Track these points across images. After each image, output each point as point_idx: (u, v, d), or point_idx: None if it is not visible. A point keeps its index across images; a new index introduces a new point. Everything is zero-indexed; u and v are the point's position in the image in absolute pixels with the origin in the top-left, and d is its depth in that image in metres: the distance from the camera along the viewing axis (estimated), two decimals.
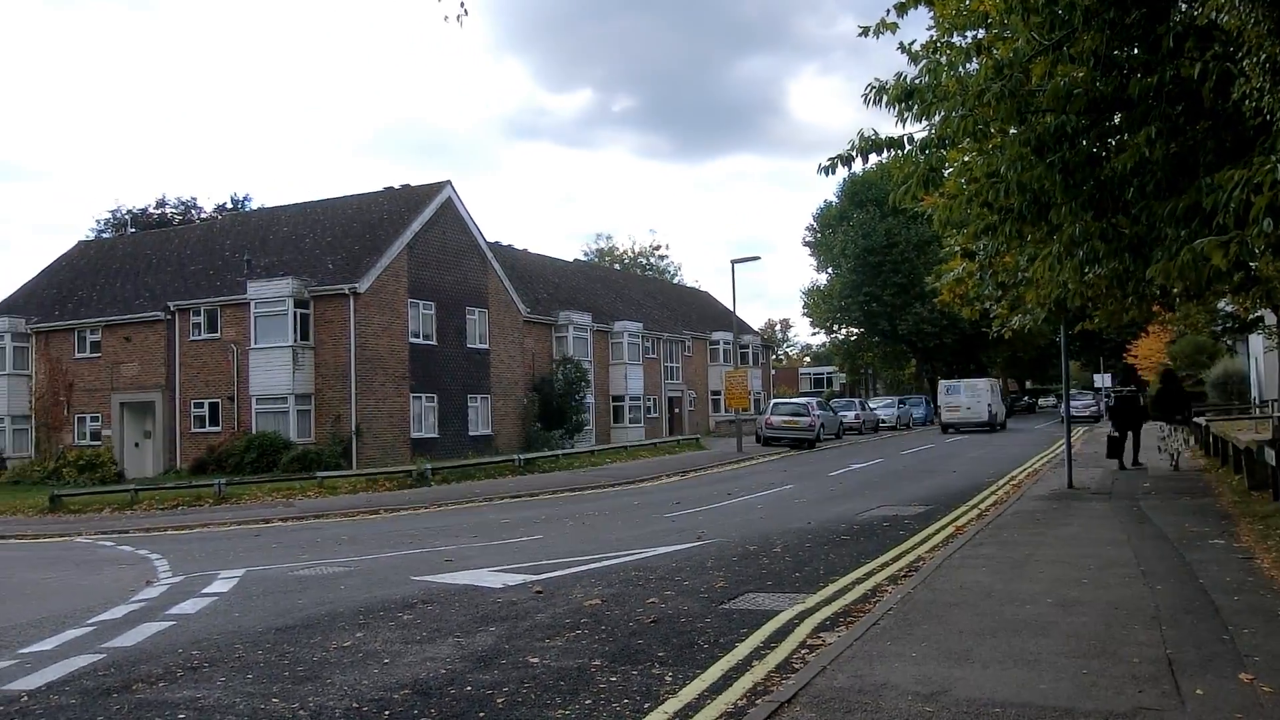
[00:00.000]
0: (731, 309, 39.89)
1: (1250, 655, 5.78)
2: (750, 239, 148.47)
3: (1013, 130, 8.18)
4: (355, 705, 5.85)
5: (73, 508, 22.64)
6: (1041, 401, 77.05)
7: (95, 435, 32.85)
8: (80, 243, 42.63)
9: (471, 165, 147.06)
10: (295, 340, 29.13)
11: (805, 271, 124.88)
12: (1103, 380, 46.70)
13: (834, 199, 67.91)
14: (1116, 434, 19.34)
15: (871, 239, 60.37)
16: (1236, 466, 15.42)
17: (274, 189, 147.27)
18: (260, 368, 29.43)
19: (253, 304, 29.78)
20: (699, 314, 55.34)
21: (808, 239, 71.36)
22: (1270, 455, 11.86)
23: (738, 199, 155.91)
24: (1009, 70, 7.57)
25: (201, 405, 31.18)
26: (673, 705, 5.61)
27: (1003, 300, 14.29)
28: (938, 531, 12.43)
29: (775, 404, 37.78)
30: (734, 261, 35.84)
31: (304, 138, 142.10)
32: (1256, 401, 30.18)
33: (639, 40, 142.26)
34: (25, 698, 6.34)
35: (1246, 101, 6.08)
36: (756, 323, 68.73)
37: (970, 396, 40.52)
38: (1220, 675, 5.40)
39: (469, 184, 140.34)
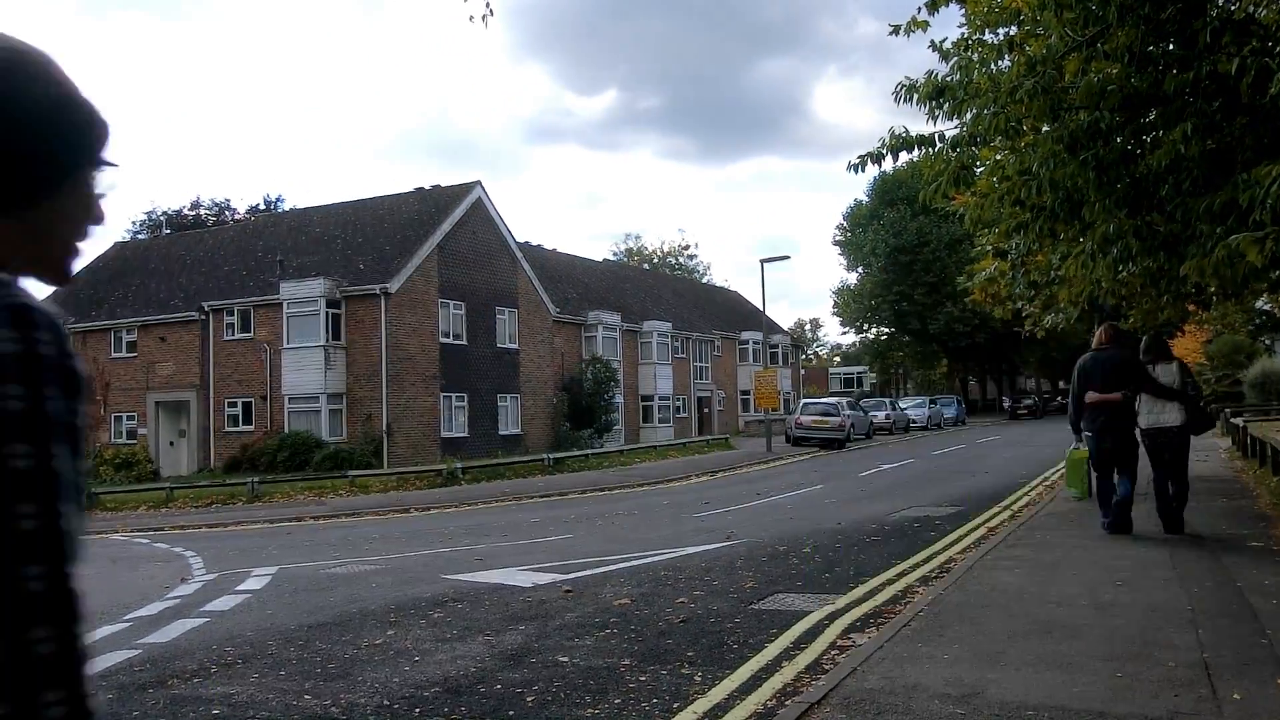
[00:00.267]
0: (761, 308, 39.79)
1: None
2: (776, 239, 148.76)
3: (1045, 127, 8.10)
4: (386, 703, 5.89)
5: (109, 505, 22.97)
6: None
7: (131, 434, 33.30)
8: (116, 244, 43.22)
9: (496, 168, 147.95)
10: (327, 340, 29.37)
11: (832, 271, 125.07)
12: None
13: (864, 198, 67.58)
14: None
15: (902, 238, 60.02)
16: (1275, 468, 15.18)
17: (305, 190, 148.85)
18: (293, 367, 29.70)
19: (285, 304, 30.06)
20: (728, 313, 55.25)
21: (837, 238, 71.03)
22: None
23: (763, 200, 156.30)
24: (1042, 67, 7.49)
25: (235, 404, 31.52)
26: (702, 705, 5.60)
27: (1035, 299, 14.16)
28: (969, 532, 12.33)
29: (805, 404, 37.64)
30: (763, 261, 35.83)
31: (330, 141, 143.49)
32: None
33: (660, 43, 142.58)
34: None
35: None
36: (785, 323, 68.51)
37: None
38: (1258, 679, 5.31)
39: (494, 186, 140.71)
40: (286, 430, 29.48)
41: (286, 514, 19.69)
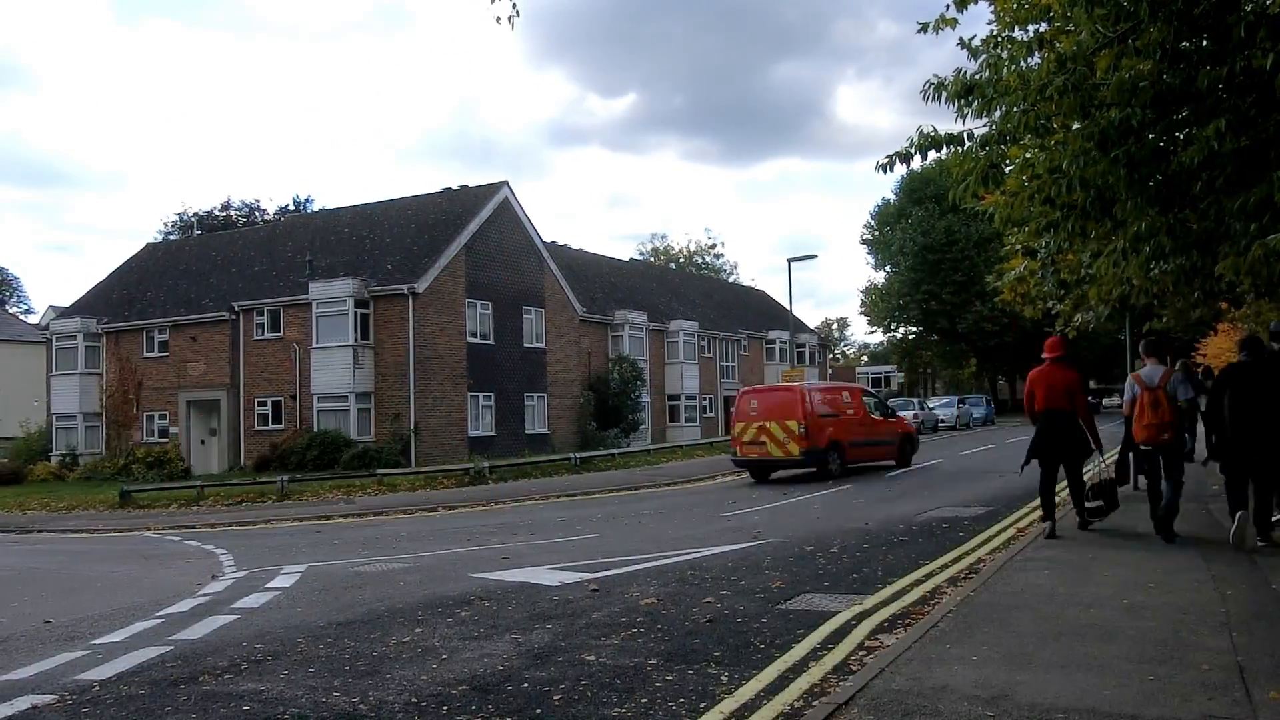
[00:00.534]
0: (788, 308, 39.67)
1: None
2: (800, 239, 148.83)
3: (1076, 125, 8.02)
4: (414, 700, 5.92)
5: (141, 503, 23.25)
6: (1106, 401, 75.52)
7: (163, 432, 33.67)
8: (148, 245, 43.73)
9: (520, 170, 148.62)
10: (355, 340, 29.58)
11: (856, 271, 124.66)
12: None
13: (892, 196, 67.27)
14: None
15: (930, 236, 59.69)
16: None
17: (333, 192, 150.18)
18: (321, 367, 29.93)
19: (314, 304, 30.29)
20: (755, 313, 55.11)
21: (865, 236, 70.74)
22: None
23: (786, 200, 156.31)
24: (1072, 64, 7.42)
25: (265, 403, 31.80)
26: (729, 705, 5.59)
27: (1065, 299, 14.02)
28: (999, 533, 12.24)
29: None
30: (790, 260, 35.74)
31: (357, 144, 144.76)
32: None
33: (680, 45, 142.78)
34: (97, 688, 6.52)
35: None
36: (810, 322, 68.26)
37: None
38: None
39: (519, 188, 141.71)
40: (315, 429, 29.71)
41: (315, 512, 19.84)
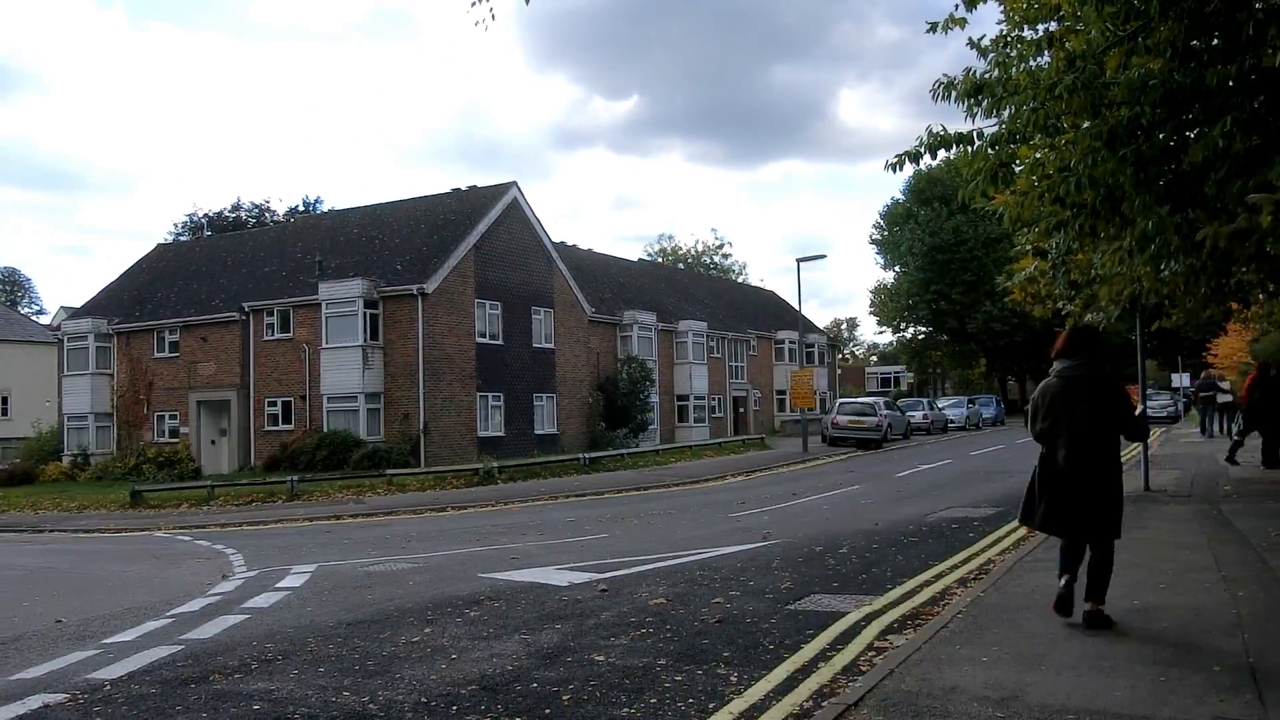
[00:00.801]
0: (796, 308, 39.63)
1: None
2: (806, 240, 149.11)
3: (1085, 124, 8.00)
4: (424, 700, 5.93)
5: (152, 503, 23.33)
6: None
7: (174, 433, 33.78)
8: (159, 245, 43.87)
9: (524, 172, 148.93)
10: (365, 340, 29.63)
11: (862, 272, 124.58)
12: (1181, 380, 45.27)
13: (900, 196, 67.13)
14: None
15: (939, 236, 59.61)
16: None
17: (342, 192, 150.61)
18: (331, 367, 30.00)
19: (324, 304, 30.36)
20: (764, 313, 55.07)
21: (874, 236, 70.62)
22: None
23: (790, 202, 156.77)
24: (1082, 62, 7.39)
25: (275, 404, 31.89)
26: (738, 706, 5.59)
27: (1076, 299, 13.97)
28: (1009, 534, 12.21)
29: (841, 403, 37.41)
30: (799, 260, 35.67)
31: (364, 145, 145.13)
32: None
33: (681, 48, 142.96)
34: (108, 687, 6.55)
35: None
36: (816, 323, 68.19)
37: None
38: None
39: (525, 189, 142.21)
40: (325, 429, 29.78)
41: (325, 512, 19.89)
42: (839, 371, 65.10)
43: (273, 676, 6.64)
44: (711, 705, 5.62)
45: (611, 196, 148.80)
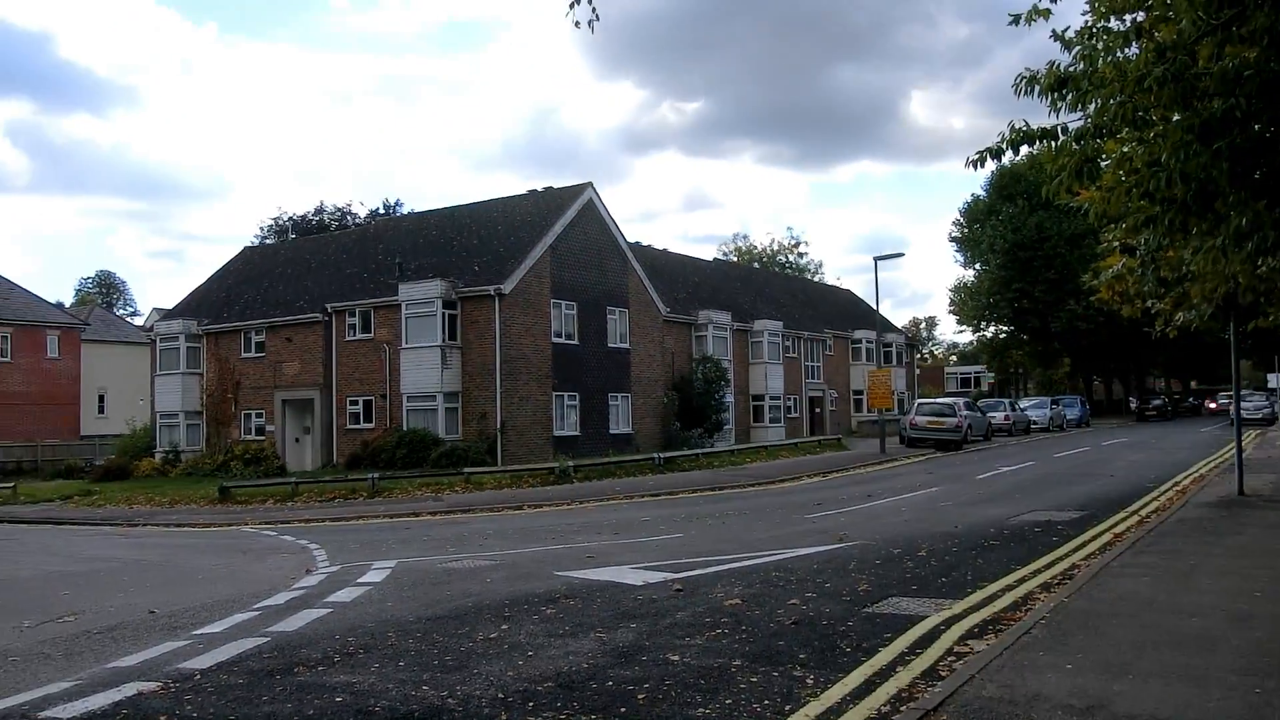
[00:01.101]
0: (874, 307, 39.15)
1: None
2: (878, 240, 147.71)
3: (1176, 116, 7.76)
4: (501, 696, 6.00)
5: (239, 499, 23.99)
6: (1208, 403, 72.80)
7: (260, 430, 34.67)
8: (245, 248, 45.09)
9: (597, 175, 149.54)
10: (443, 340, 30.06)
11: (936, 271, 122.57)
12: (1277, 380, 43.60)
13: (981, 193, 65.80)
14: None
15: (1021, 233, 58.30)
16: None
17: (421, 195, 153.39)
18: (411, 367, 30.50)
19: (404, 305, 30.88)
20: (840, 312, 54.49)
21: (954, 234, 69.35)
22: None
23: (862, 202, 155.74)
24: (1172, 53, 7.17)
25: (356, 402, 32.54)
26: (814, 708, 5.54)
27: (1166, 297, 13.56)
28: (1094, 538, 11.90)
29: (920, 404, 36.82)
30: (876, 258, 35.25)
31: (439, 153, 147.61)
32: None
33: (751, 51, 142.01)
34: (198, 676, 6.76)
35: None
36: (894, 323, 67.26)
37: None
38: None
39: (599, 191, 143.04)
40: (405, 428, 30.27)
41: (405, 509, 20.24)
42: (917, 371, 64.10)
43: (354, 669, 6.78)
44: (787, 708, 5.58)
45: (684, 198, 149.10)
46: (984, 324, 69.14)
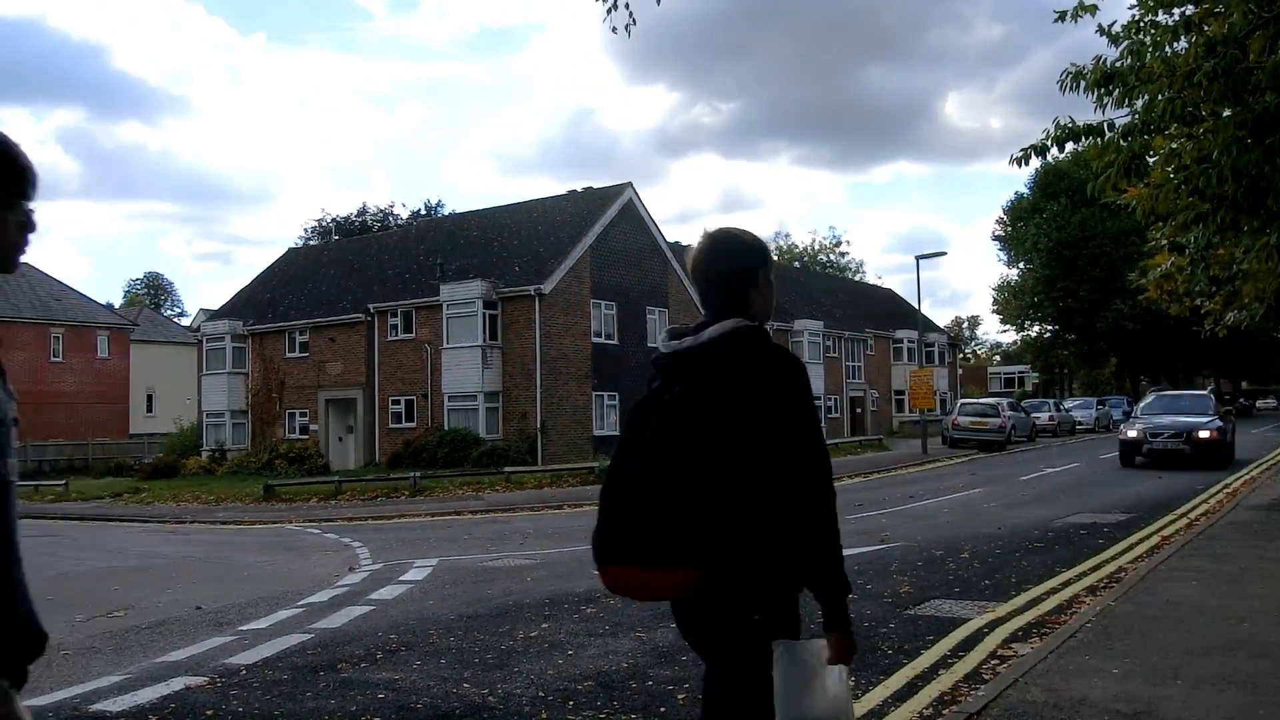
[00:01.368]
0: (916, 306, 38.81)
1: None
2: (917, 240, 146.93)
3: (1227, 112, 7.62)
4: (541, 694, 6.02)
5: (284, 497, 24.29)
6: (1260, 403, 71.39)
7: (304, 429, 35.12)
8: (289, 249, 45.68)
9: (634, 177, 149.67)
10: (484, 340, 30.25)
11: (976, 271, 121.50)
12: None
13: (1025, 191, 65.02)
14: None
15: (1065, 231, 57.46)
16: None
17: (462, 196, 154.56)
18: (452, 366, 30.73)
19: (445, 305, 31.11)
20: (881, 311, 54.08)
21: (997, 233, 68.60)
22: None
23: (900, 202, 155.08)
24: (1223, 48, 7.04)
25: (398, 402, 32.83)
26: (855, 711, 5.50)
27: (1216, 296, 13.32)
28: (1141, 541, 11.70)
29: (962, 404, 36.45)
30: (918, 257, 34.90)
31: (478, 156, 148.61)
32: None
33: (782, 53, 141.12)
34: (244, 671, 6.85)
35: None
36: (936, 322, 66.59)
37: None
38: None
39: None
40: (446, 427, 30.51)
41: (446, 508, 20.38)
42: (960, 371, 63.48)
43: (396, 666, 6.84)
44: None
45: (721, 198, 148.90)
46: (1028, 323, 68.31)
